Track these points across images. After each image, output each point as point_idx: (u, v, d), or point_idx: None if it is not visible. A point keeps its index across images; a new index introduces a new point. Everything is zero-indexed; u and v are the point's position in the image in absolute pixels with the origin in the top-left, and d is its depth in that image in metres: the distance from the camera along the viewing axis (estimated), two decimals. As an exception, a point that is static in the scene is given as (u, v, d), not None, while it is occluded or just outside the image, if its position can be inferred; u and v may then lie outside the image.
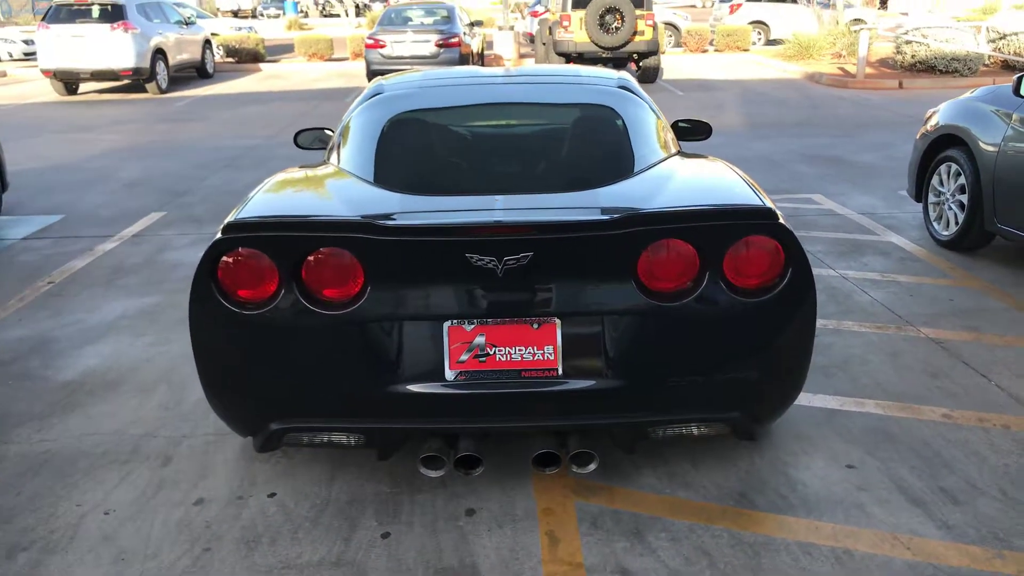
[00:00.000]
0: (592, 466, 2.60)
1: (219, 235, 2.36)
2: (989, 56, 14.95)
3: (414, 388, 2.42)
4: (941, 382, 3.51)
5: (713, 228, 2.37)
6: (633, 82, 3.61)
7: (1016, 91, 4.60)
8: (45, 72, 14.51)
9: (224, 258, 2.38)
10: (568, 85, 3.49)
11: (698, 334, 2.42)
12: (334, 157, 3.23)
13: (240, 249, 2.37)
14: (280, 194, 2.77)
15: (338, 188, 2.81)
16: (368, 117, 3.26)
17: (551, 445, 2.52)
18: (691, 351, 2.43)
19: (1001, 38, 15.06)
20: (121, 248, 5.76)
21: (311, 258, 2.36)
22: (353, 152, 3.11)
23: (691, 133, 4.32)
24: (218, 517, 2.67)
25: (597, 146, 3.13)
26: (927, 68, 14.68)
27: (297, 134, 4.33)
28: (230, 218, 2.46)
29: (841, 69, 15.75)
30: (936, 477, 2.82)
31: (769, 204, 2.47)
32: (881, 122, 10.74)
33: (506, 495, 2.75)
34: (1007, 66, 14.87)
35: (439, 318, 2.42)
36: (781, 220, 2.38)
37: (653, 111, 3.40)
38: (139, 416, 3.35)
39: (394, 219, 2.38)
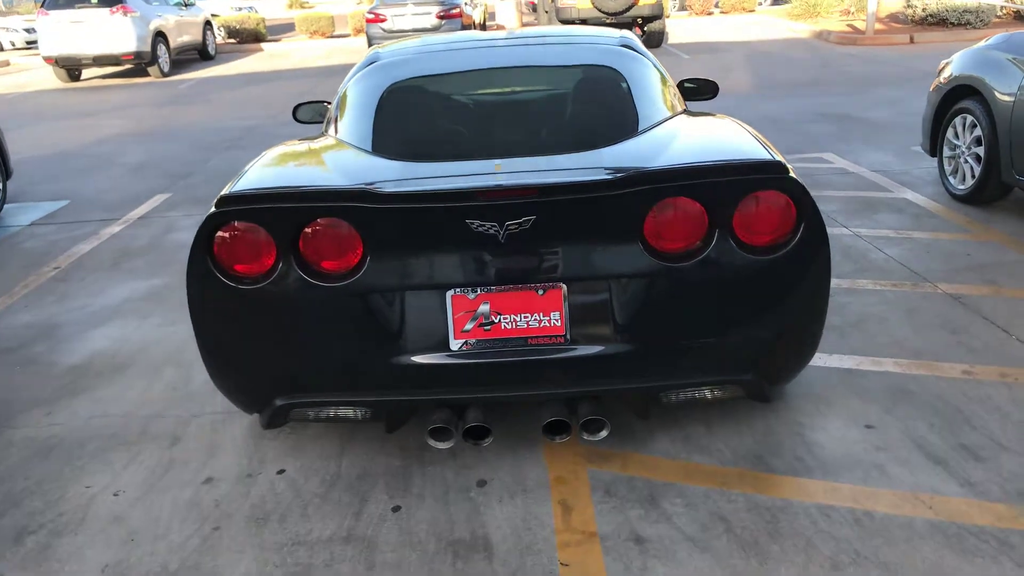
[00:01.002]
0: (603, 433, 2.55)
1: (213, 209, 2.31)
2: (1001, 7, 14.60)
3: (419, 359, 2.37)
4: (960, 338, 3.43)
5: (721, 184, 2.29)
6: (636, 40, 3.51)
7: (1033, 37, 4.45)
8: (47, 59, 14.46)
9: (219, 232, 2.33)
10: (569, 45, 3.39)
11: (708, 295, 2.35)
12: (331, 129, 3.16)
13: (235, 223, 2.31)
14: (275, 166, 2.70)
15: (335, 158, 2.75)
16: (365, 85, 3.18)
17: (561, 413, 2.47)
18: (702, 313, 2.37)
19: (1015, -13, 14.69)
20: (127, 231, 5.73)
21: (308, 229, 2.31)
22: (350, 122, 3.04)
23: (697, 93, 4.21)
24: (227, 495, 2.65)
25: (600, 106, 3.04)
26: (938, 21, 14.37)
27: (296, 108, 4.25)
28: (224, 191, 2.40)
29: (850, 26, 15.44)
30: (957, 434, 2.75)
31: (779, 158, 2.38)
32: (892, 78, 10.52)
33: (517, 464, 2.71)
34: (1020, 17, 14.52)
35: (442, 287, 2.36)
36: (792, 174, 2.30)
37: (657, 69, 3.30)
38: (147, 397, 3.33)
39: (391, 187, 2.31)
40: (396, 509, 2.53)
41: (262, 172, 2.60)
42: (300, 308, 2.35)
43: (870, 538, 2.28)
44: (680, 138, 2.67)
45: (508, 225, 2.23)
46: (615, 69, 3.15)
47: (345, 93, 3.26)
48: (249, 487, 2.69)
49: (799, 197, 2.30)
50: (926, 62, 11.48)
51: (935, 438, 2.74)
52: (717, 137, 2.75)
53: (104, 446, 2.98)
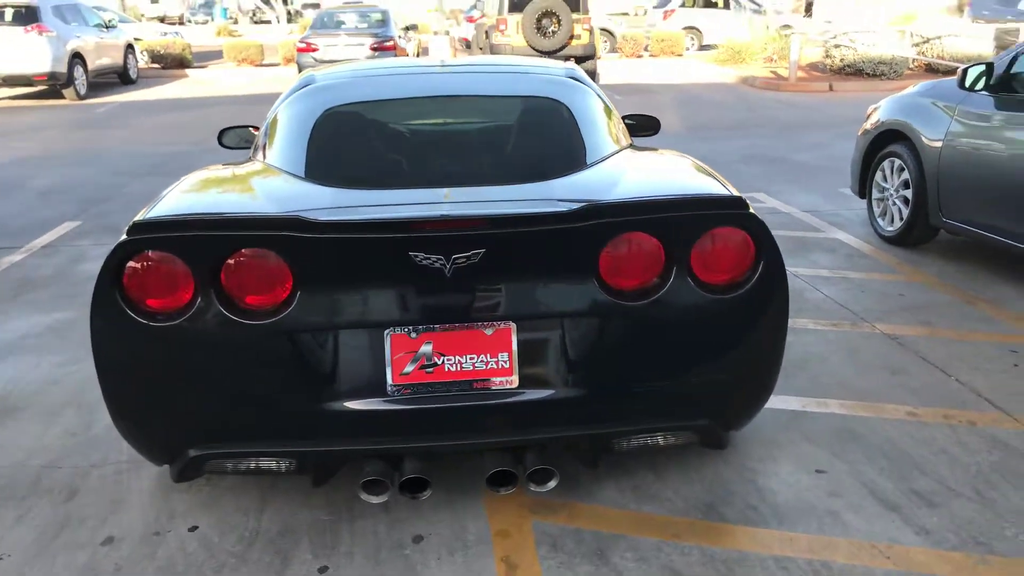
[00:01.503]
0: (552, 483, 2.37)
1: (124, 236, 2.06)
2: (913, 60, 15.39)
3: (352, 405, 2.16)
4: (901, 379, 3.41)
5: (679, 219, 2.18)
6: (581, 72, 3.42)
7: (961, 84, 4.59)
8: (-48, 77, 13.63)
9: (130, 263, 2.08)
10: (515, 75, 3.28)
11: (665, 335, 2.22)
12: (260, 154, 2.94)
13: (148, 252, 2.07)
14: (196, 192, 2.47)
15: (263, 184, 2.53)
16: (298, 109, 2.98)
17: (506, 463, 2.29)
18: (658, 354, 2.24)
19: (925, 42, 15.51)
20: (30, 260, 5.31)
21: (231, 260, 2.08)
22: (281, 146, 2.83)
23: (638, 129, 4.16)
24: (130, 557, 2.36)
25: (548, 138, 2.91)
26: (855, 71, 15.01)
27: (221, 133, 4.01)
28: (138, 217, 2.16)
29: (773, 73, 16.00)
30: (907, 479, 2.69)
31: (737, 193, 2.29)
32: (815, 123, 10.87)
33: (456, 517, 2.51)
34: (930, 69, 15.30)
35: (379, 326, 2.16)
36: (751, 210, 2.21)
37: (604, 102, 3.21)
38: (42, 444, 2.99)
39: (326, 215, 2.12)
40: (323, 570, 2.29)
41: (180, 198, 2.37)
42: (220, 348, 2.12)
43: (831, 593, 2.17)
44: (633, 172, 2.57)
45: (455, 258, 2.06)
46: (562, 101, 3.04)
47: (276, 116, 3.05)
48: (156, 547, 2.40)
49: (759, 234, 2.21)
50: (846, 108, 11.92)
51: (886, 483, 2.67)
52: (671, 172, 2.66)
53: (-12, 501, 2.64)
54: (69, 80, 13.94)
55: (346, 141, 2.82)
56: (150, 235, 2.06)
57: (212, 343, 2.11)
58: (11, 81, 13.67)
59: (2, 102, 14.21)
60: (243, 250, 2.08)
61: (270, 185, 2.52)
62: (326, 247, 2.06)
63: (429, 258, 2.04)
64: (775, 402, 3.17)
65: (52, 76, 13.65)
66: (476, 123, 3.11)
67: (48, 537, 2.46)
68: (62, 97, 14.32)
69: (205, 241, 2.06)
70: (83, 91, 14.38)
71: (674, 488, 2.65)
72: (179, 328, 2.08)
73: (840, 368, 3.51)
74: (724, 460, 2.81)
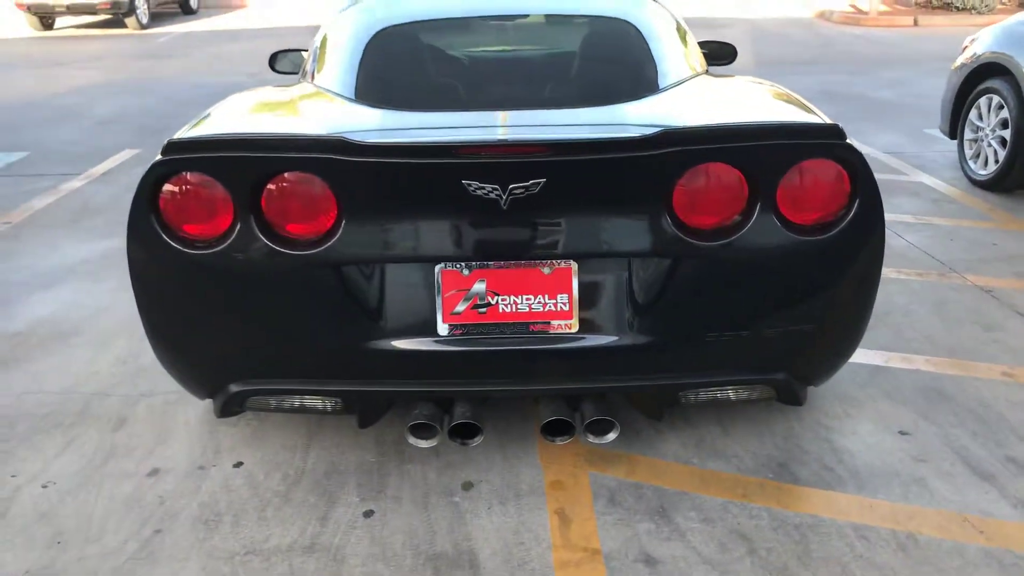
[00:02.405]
0: (611, 435, 2.21)
1: (159, 156, 1.93)
2: (1008, -7, 14.29)
3: (400, 344, 2.02)
4: (996, 335, 3.12)
5: (765, 149, 1.93)
6: (654, -10, 3.12)
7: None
8: (18, 5, 13.75)
9: (166, 185, 1.95)
10: None
11: (744, 280, 2.00)
12: (309, 77, 2.77)
13: (185, 174, 1.93)
14: (239, 112, 2.32)
15: (310, 105, 2.37)
16: (349, 27, 2.78)
17: (563, 412, 2.13)
18: (735, 300, 2.02)
19: (1023, -27, 14.35)
20: (88, 187, 5.30)
21: (272, 185, 1.93)
22: (330, 67, 2.65)
23: (712, 57, 3.83)
24: (174, 491, 2.30)
25: (617, 59, 2.66)
26: (943, 5, 14.04)
27: (273, 57, 3.85)
28: (175, 136, 2.01)
29: (853, 6, 15.05)
30: (1004, 445, 2.45)
31: (831, 121, 2.03)
32: (897, 59, 10.17)
33: (509, 465, 2.38)
34: (1027, 3, 14.20)
35: (430, 260, 2.00)
36: (849, 140, 1.95)
37: (679, 23, 2.93)
38: (92, 371, 2.96)
39: (374, 137, 1.94)
40: (368, 514, 2.20)
41: (221, 118, 2.21)
42: (260, 279, 1.98)
43: (918, 567, 1.97)
44: (711, 97, 2.31)
45: (512, 188, 1.87)
46: (632, 21, 2.77)
47: (325, 36, 2.86)
48: (200, 482, 2.34)
49: (856, 168, 1.95)
50: (930, 44, 11.14)
51: (979, 449, 2.43)
52: (755, 98, 2.39)
53: (36, 427, 2.61)
54: (131, 9, 13.94)
55: (399, 61, 2.62)
56: (186, 155, 1.92)
57: (253, 273, 1.98)
58: (75, 9, 13.73)
59: (67, 31, 14.32)
60: (285, 174, 1.92)
61: (317, 106, 2.35)
62: (372, 172, 1.89)
63: (484, 187, 1.85)
64: (855, 355, 2.92)
65: (115, 5, 13.66)
66: (539, 43, 2.86)
67: (94, 466, 2.42)
68: (124, 27, 14.35)
69: (243, 162, 1.90)
70: (145, 20, 14.38)
71: (743, 444, 2.47)
72: (218, 257, 1.95)
73: (927, 321, 3.23)
74: (797, 416, 2.60)
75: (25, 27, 14.48)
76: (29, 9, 13.74)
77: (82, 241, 4.30)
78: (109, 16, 14.32)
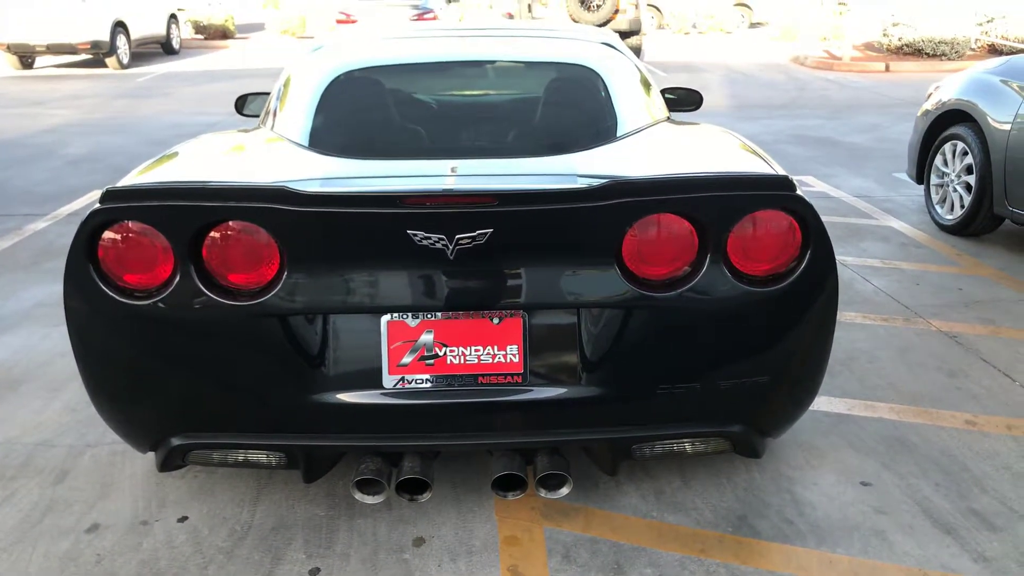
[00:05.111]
0: (564, 490, 2.14)
1: (97, 204, 1.88)
2: (976, 40, 14.63)
3: (346, 397, 1.96)
4: (960, 382, 3.11)
5: (716, 200, 1.92)
6: (617, 40, 3.15)
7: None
8: (-2, 44, 13.74)
9: (105, 234, 1.90)
10: (546, 39, 3.02)
11: (696, 331, 1.98)
12: (268, 121, 2.75)
13: (125, 222, 1.89)
14: (185, 159, 2.28)
15: (262, 152, 2.34)
16: (308, 72, 2.77)
17: (515, 466, 2.07)
18: (687, 352, 1.99)
19: (989, 21, 14.74)
20: (53, 228, 5.23)
21: (214, 234, 1.89)
22: (287, 112, 2.63)
23: (679, 103, 3.86)
24: (113, 548, 2.21)
25: (574, 107, 2.66)
26: (914, 51, 14.35)
27: (239, 100, 3.82)
28: (114, 185, 1.97)
29: (827, 52, 15.37)
30: (966, 497, 2.41)
31: (783, 172, 2.02)
32: (869, 104, 10.36)
33: (463, 519, 2.31)
34: (994, 50, 14.55)
35: (376, 311, 1.96)
36: (799, 192, 1.94)
37: (640, 71, 2.94)
38: (39, 421, 2.87)
39: (318, 185, 1.91)
40: (314, 572, 2.12)
41: (166, 165, 2.18)
42: (201, 330, 1.93)
43: (875, 628, 1.92)
44: (666, 147, 2.31)
45: (459, 239, 1.84)
46: (592, 68, 2.78)
47: (288, 79, 2.85)
48: (141, 538, 2.25)
49: (807, 219, 1.94)
50: (902, 90, 11.37)
51: (941, 500, 2.40)
52: (709, 148, 2.39)
53: (-25, 481, 2.51)
54: (112, 49, 13.96)
55: (355, 108, 2.60)
56: (124, 203, 1.87)
57: (193, 324, 1.93)
58: (55, 49, 13.72)
59: (47, 70, 14.32)
60: (227, 223, 1.88)
61: (269, 153, 2.32)
62: (316, 221, 1.86)
63: (430, 237, 1.82)
64: (817, 403, 2.91)
65: (95, 44, 13.67)
66: (497, 90, 2.86)
67: (31, 522, 2.32)
68: (105, 66, 14.37)
69: (184, 211, 1.86)
70: (126, 60, 14.40)
71: (702, 496, 2.42)
72: (157, 307, 1.90)
73: (891, 368, 3.22)
74: (759, 466, 2.56)
75: (5, 66, 14.46)
76: (9, 48, 13.72)
77: (40, 283, 4.22)
78: (90, 56, 14.34)
